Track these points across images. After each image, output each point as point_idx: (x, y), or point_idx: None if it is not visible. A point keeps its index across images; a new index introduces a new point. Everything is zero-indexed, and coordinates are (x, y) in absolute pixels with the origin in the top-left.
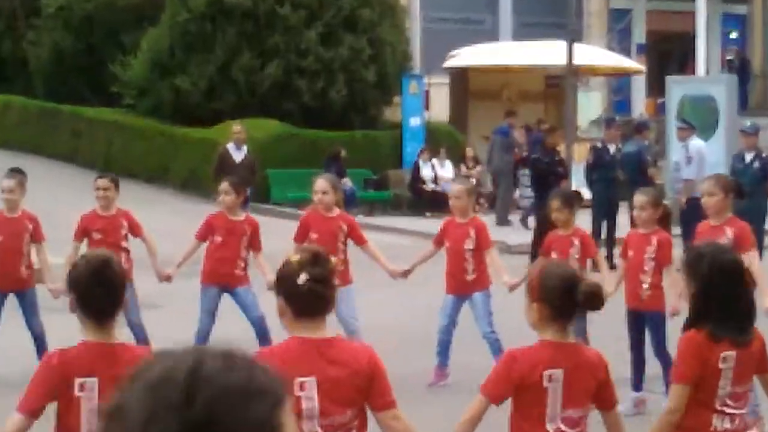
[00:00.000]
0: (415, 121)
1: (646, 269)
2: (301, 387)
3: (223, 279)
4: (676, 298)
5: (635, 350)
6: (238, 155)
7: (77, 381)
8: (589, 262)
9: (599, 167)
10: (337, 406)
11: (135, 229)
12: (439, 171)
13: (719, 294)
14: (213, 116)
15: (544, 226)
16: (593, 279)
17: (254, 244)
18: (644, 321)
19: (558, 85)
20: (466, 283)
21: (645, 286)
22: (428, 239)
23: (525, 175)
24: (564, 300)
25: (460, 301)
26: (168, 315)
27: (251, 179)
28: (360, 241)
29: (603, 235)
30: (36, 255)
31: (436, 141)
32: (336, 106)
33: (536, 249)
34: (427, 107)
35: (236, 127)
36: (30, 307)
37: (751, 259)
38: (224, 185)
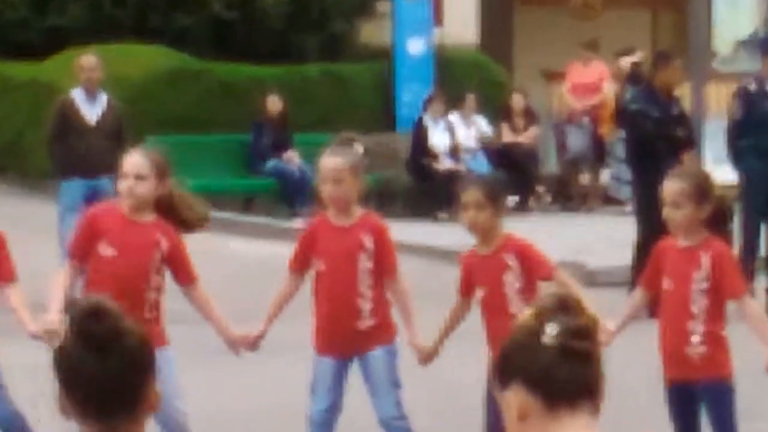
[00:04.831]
0: (415, 46)
1: (695, 311)
2: None
3: None
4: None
5: None
6: (92, 110)
7: None
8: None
9: (753, 126)
10: None
11: None
12: (461, 135)
13: None
14: (46, 41)
15: (654, 232)
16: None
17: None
18: (697, 398)
19: None
20: (355, 333)
21: (695, 339)
22: (443, 259)
23: (619, 140)
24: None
25: (343, 366)
26: None
27: (115, 153)
28: (185, 279)
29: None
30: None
31: (457, 81)
32: (271, 19)
33: (638, 273)
34: (438, 20)
35: (87, 59)
36: None
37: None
38: None
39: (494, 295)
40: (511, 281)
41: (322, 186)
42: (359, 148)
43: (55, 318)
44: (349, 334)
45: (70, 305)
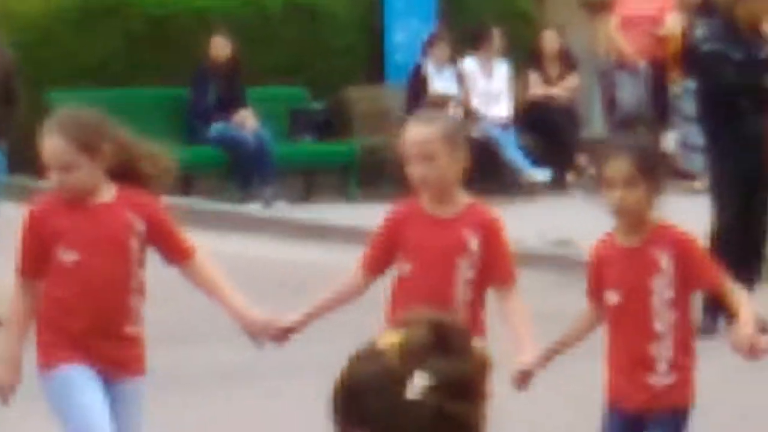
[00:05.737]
0: None
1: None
2: None
3: None
4: None
5: None
6: None
7: None
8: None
9: None
10: None
11: None
12: (480, 86)
13: None
14: None
15: (735, 216)
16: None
17: None
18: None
19: None
20: None
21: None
22: None
23: (688, 92)
24: None
25: None
26: None
27: (4, 115)
28: (181, 256)
29: None
30: None
31: (468, 15)
32: None
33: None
34: None
35: None
36: None
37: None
38: None
39: (633, 305)
40: (662, 288)
41: (410, 167)
42: (456, 111)
43: (6, 370)
44: None
45: None
